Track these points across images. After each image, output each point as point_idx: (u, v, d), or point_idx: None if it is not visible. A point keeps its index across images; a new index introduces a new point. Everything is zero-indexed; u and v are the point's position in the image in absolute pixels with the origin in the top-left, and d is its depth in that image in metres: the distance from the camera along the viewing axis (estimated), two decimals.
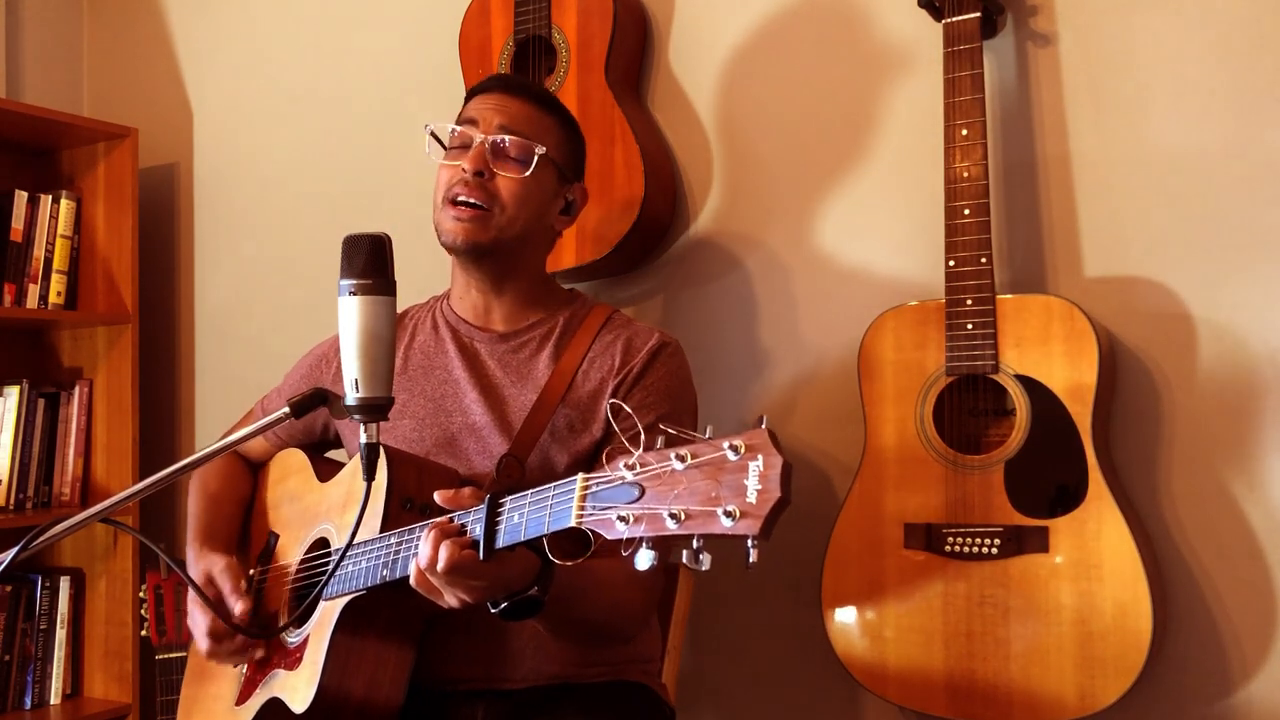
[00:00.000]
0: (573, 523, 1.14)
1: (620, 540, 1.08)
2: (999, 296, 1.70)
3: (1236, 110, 1.73)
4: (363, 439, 1.26)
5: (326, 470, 1.68)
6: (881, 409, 1.79)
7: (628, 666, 1.63)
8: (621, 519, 1.08)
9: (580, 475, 1.16)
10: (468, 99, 1.67)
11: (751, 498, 1.02)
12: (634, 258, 2.13)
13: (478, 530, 1.25)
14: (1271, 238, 1.71)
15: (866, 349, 1.82)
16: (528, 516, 1.21)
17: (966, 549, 1.69)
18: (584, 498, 1.14)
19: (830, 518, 1.83)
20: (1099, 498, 1.63)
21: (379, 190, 2.53)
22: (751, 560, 1.01)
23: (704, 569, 1.04)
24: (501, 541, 1.24)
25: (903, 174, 1.96)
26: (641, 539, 1.07)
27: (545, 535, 1.19)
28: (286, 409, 1.26)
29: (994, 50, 1.88)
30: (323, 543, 1.59)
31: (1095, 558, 1.62)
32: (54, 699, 2.59)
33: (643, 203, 1.99)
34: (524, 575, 1.30)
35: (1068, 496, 1.65)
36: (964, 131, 1.73)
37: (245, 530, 1.78)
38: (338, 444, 1.80)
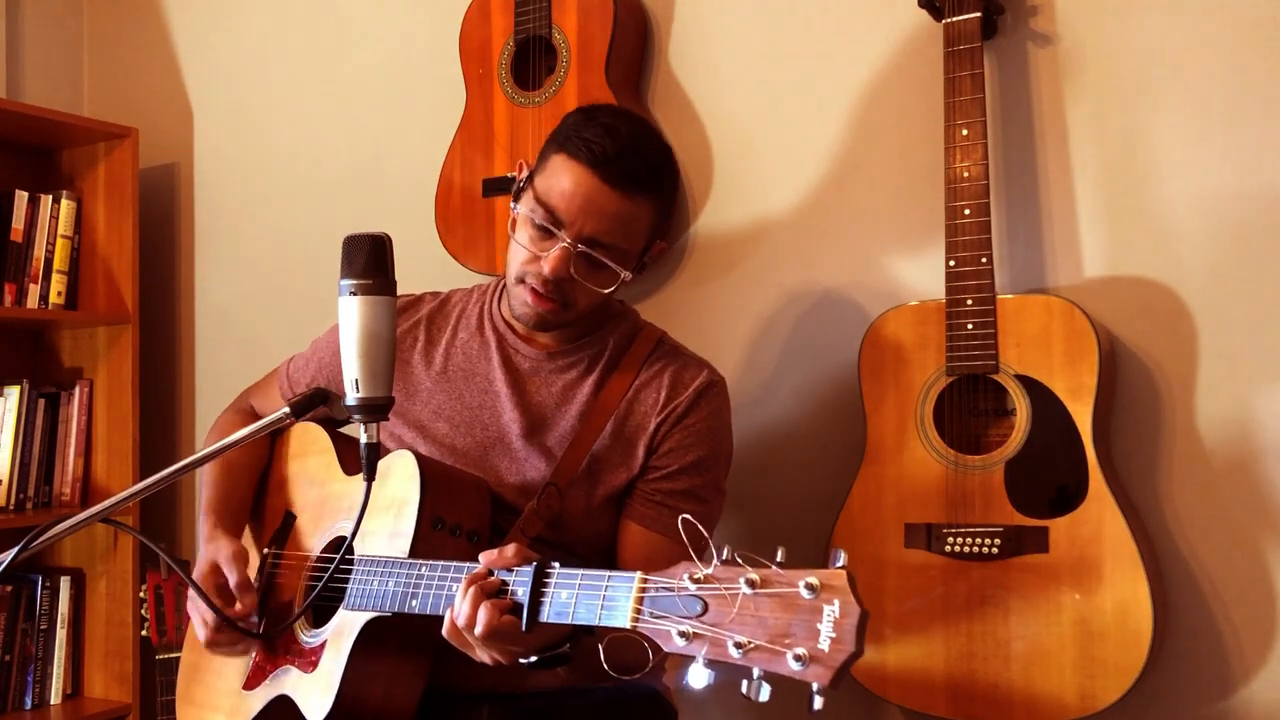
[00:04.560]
0: (627, 625, 1.10)
1: (676, 653, 1.05)
2: (999, 296, 1.70)
3: (1237, 109, 1.73)
4: (363, 439, 1.26)
5: (351, 456, 1.65)
6: (882, 409, 1.79)
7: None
8: (682, 635, 1.05)
9: (639, 575, 1.12)
10: (559, 149, 1.51)
11: (824, 645, 0.98)
12: None
13: (520, 594, 1.22)
14: (1272, 237, 1.70)
15: (867, 349, 1.82)
16: (578, 599, 1.17)
17: (967, 549, 1.69)
18: (640, 600, 1.10)
19: (831, 518, 1.83)
20: (1099, 498, 1.63)
21: (379, 190, 2.53)
22: (816, 708, 0.97)
23: (763, 700, 1.00)
24: (547, 617, 1.21)
25: (903, 174, 1.96)
26: (698, 658, 1.03)
27: (596, 627, 1.15)
28: (286, 410, 1.26)
29: (994, 50, 1.87)
30: (342, 541, 1.58)
31: (1095, 558, 1.62)
32: (54, 699, 2.59)
33: None
34: (557, 635, 1.28)
35: (1068, 496, 1.65)
36: (964, 131, 1.72)
37: (259, 500, 1.76)
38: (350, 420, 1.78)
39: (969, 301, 1.70)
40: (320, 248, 2.58)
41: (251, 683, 1.57)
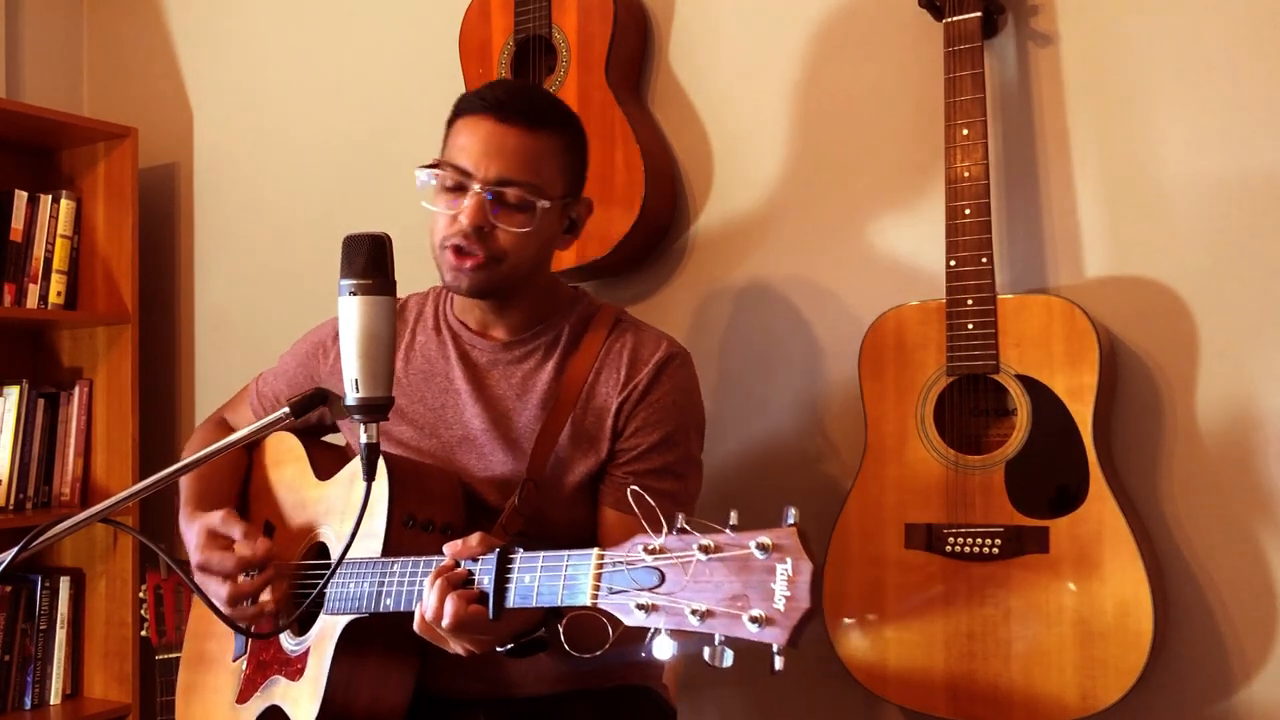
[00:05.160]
0: (587, 602, 1.11)
1: (638, 627, 1.05)
2: (1000, 296, 1.70)
3: (1237, 109, 1.72)
4: (363, 439, 1.25)
5: (324, 462, 1.65)
6: (882, 409, 1.79)
7: (629, 671, 1.63)
8: (640, 607, 1.05)
9: (595, 550, 1.13)
10: (455, 117, 1.57)
11: (779, 604, 0.98)
12: (634, 257, 2.13)
13: (485, 582, 1.23)
14: (1272, 235, 1.70)
15: (867, 349, 1.82)
16: (540, 582, 1.18)
17: (967, 549, 1.69)
18: (599, 576, 1.11)
19: (831, 518, 1.83)
20: (1100, 498, 1.63)
21: (379, 190, 2.53)
22: (777, 668, 0.97)
23: (727, 666, 1.00)
24: (512, 602, 1.21)
25: (903, 174, 1.96)
26: (661, 629, 1.04)
27: (559, 607, 1.15)
28: (286, 409, 1.25)
29: (994, 50, 1.87)
30: (322, 547, 1.58)
31: (1096, 558, 1.62)
32: (54, 699, 2.59)
33: (643, 203, 1.99)
34: (530, 620, 1.28)
35: (1068, 496, 1.65)
36: (965, 131, 1.72)
37: (242, 510, 1.75)
38: (334, 429, 1.78)
39: (969, 301, 1.70)
40: (320, 248, 2.58)
41: (244, 696, 1.57)
